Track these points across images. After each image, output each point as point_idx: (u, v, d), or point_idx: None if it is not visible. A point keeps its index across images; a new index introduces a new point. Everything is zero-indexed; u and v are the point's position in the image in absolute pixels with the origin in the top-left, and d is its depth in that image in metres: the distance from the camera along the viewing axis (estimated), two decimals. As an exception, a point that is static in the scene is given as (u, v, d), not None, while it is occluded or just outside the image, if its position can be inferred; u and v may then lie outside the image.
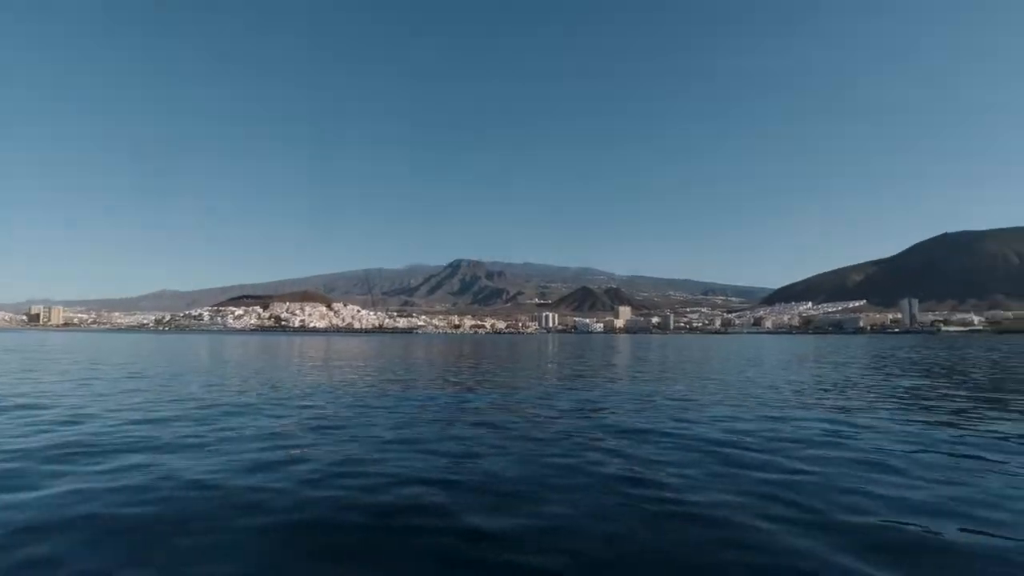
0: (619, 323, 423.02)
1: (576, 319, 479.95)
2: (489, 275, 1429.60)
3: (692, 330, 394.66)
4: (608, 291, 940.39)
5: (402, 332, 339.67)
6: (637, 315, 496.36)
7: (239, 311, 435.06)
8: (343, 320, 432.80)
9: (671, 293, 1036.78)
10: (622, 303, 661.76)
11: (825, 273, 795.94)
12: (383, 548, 4.87)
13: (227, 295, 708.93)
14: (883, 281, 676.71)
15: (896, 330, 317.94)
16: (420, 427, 11.03)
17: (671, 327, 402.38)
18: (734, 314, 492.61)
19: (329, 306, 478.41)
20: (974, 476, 7.40)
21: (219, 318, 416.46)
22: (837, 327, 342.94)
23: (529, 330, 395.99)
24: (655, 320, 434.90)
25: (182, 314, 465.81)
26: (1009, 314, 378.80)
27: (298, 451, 8.66)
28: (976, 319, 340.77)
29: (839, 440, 9.69)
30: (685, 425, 11.28)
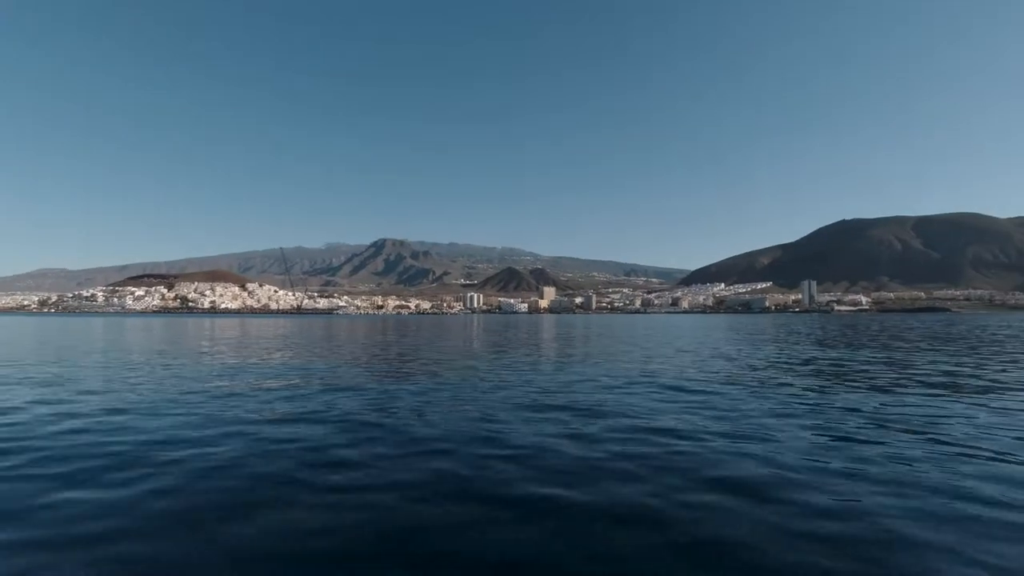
0: (543, 303, 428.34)
1: (501, 299, 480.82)
2: (415, 255, 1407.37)
3: (613, 310, 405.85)
4: (533, 272, 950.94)
5: (322, 313, 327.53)
6: (561, 295, 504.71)
7: (139, 291, 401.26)
8: (259, 301, 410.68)
9: (594, 274, 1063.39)
10: (547, 284, 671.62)
11: (738, 256, 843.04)
12: None
13: (126, 274, 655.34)
14: (788, 264, 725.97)
15: (796, 310, 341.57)
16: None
17: (593, 307, 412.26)
18: (653, 294, 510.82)
19: (243, 286, 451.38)
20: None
21: (116, 299, 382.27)
22: (746, 307, 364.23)
23: (454, 311, 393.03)
24: (578, 300, 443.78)
25: (71, 295, 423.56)
26: (891, 295, 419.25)
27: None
28: (864, 299, 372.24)
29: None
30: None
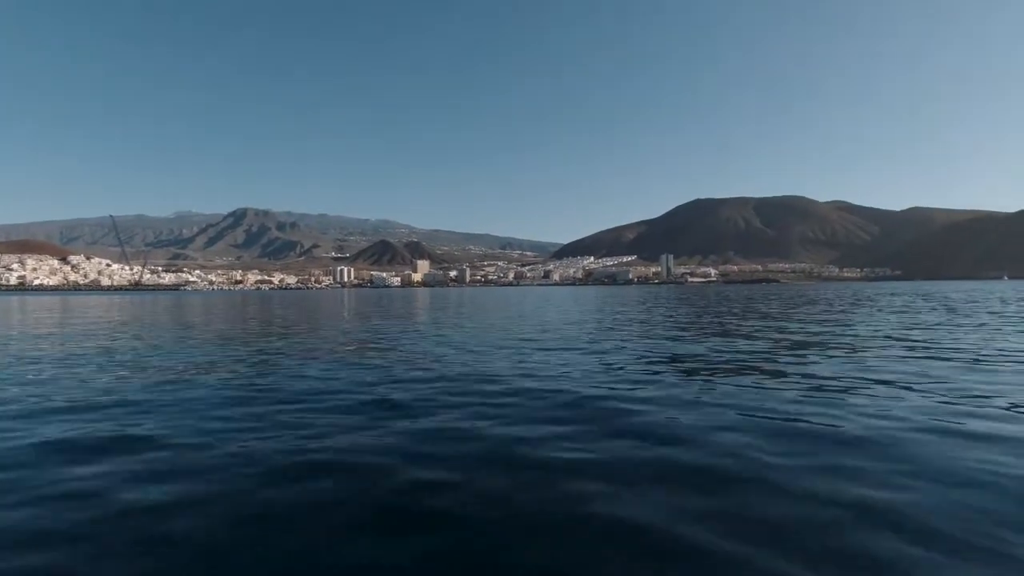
0: (417, 277, 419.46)
1: (374, 273, 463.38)
2: (281, 226, 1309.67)
3: (487, 283, 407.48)
4: (408, 245, 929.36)
5: (168, 289, 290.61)
6: (436, 269, 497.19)
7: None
8: (85, 276, 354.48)
9: (471, 247, 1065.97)
10: (421, 257, 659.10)
11: (607, 230, 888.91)
12: None
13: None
14: (650, 238, 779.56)
15: (656, 281, 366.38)
16: None
17: (467, 280, 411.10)
18: (527, 267, 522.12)
19: (64, 259, 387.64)
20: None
21: None
22: (612, 279, 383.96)
23: (321, 285, 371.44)
24: (452, 274, 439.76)
25: None
26: (735, 268, 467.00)
27: None
28: (713, 272, 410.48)
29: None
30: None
